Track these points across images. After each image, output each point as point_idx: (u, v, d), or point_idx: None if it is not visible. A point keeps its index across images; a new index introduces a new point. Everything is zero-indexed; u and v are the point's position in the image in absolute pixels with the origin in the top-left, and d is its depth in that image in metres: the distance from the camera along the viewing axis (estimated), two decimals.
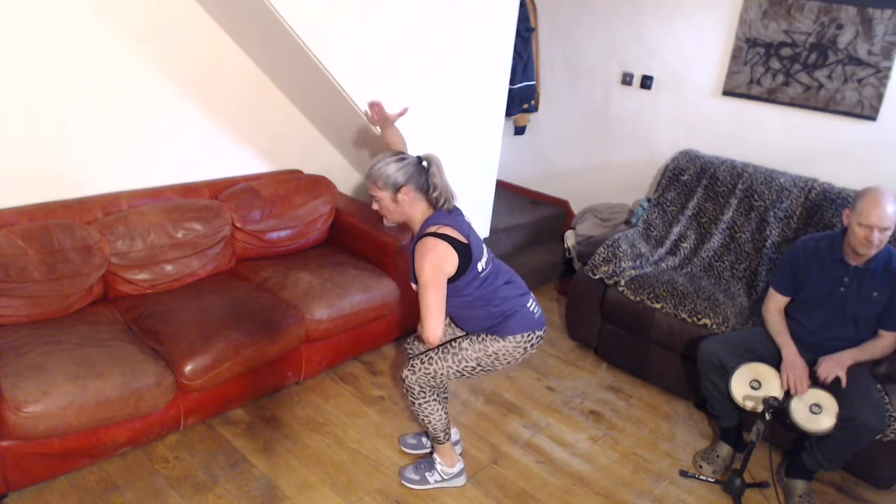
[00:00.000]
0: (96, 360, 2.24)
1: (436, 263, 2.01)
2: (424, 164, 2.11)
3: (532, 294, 2.29)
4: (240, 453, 2.51)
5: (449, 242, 2.03)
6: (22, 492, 2.22)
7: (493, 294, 2.16)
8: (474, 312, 2.19)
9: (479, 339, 2.20)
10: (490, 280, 2.17)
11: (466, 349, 2.19)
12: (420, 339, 2.45)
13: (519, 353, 2.21)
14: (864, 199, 2.28)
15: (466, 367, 2.21)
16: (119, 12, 2.65)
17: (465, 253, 2.07)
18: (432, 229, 2.06)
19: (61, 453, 2.18)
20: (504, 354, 2.19)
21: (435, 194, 2.10)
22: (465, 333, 2.29)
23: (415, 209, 2.12)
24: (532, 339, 2.21)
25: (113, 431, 2.27)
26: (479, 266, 2.14)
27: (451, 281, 2.08)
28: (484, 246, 2.23)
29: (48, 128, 2.60)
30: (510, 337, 2.17)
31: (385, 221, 2.23)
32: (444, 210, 2.13)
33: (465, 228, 2.13)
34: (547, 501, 2.42)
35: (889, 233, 2.28)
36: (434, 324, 2.02)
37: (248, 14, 2.61)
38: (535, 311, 2.25)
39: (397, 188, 2.07)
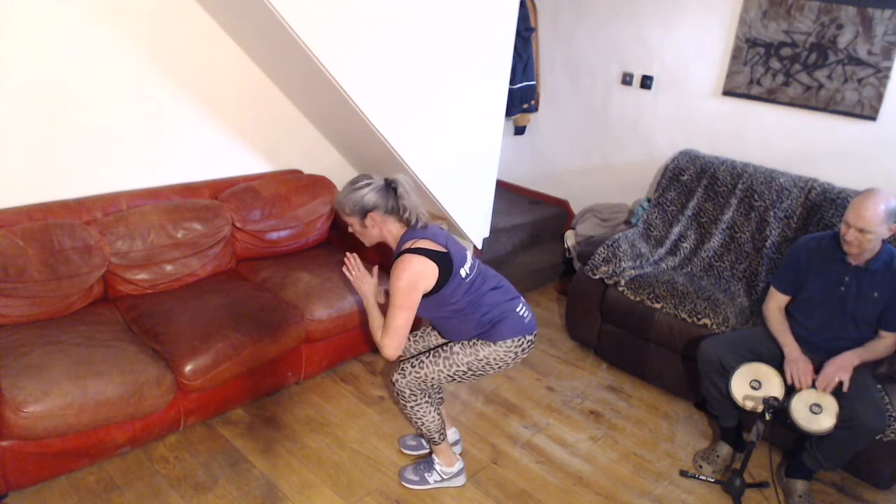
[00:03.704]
0: (96, 359, 2.24)
1: (412, 282, 2.02)
2: (393, 185, 2.12)
3: (522, 298, 2.29)
4: (240, 453, 2.51)
5: (426, 255, 2.04)
6: (22, 492, 2.22)
7: (481, 300, 2.16)
8: (463, 321, 2.18)
9: (471, 343, 2.20)
10: (477, 285, 2.17)
11: (458, 353, 2.19)
12: (411, 339, 2.46)
13: (510, 357, 2.21)
14: (856, 198, 2.31)
15: (457, 371, 2.20)
16: (119, 13, 2.65)
17: (445, 261, 2.08)
18: (407, 245, 2.07)
19: (61, 453, 2.18)
20: (495, 359, 2.19)
21: (406, 215, 2.12)
22: None
23: (386, 231, 2.15)
24: (523, 343, 2.21)
25: (113, 431, 2.27)
26: (463, 272, 2.14)
27: (435, 292, 2.08)
28: (467, 252, 2.23)
29: (48, 128, 2.60)
30: (500, 342, 2.17)
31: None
32: (417, 227, 2.14)
33: (442, 238, 2.14)
34: (547, 501, 2.42)
35: (871, 236, 2.28)
36: (397, 345, 2.08)
37: (249, 14, 2.60)
38: (526, 315, 2.24)
39: (364, 213, 2.11)
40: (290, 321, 2.68)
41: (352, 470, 2.49)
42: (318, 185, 3.34)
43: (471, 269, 2.18)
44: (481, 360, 2.19)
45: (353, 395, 2.94)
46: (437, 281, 2.07)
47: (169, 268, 2.81)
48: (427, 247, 2.06)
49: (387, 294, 2.27)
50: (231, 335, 2.50)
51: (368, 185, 2.11)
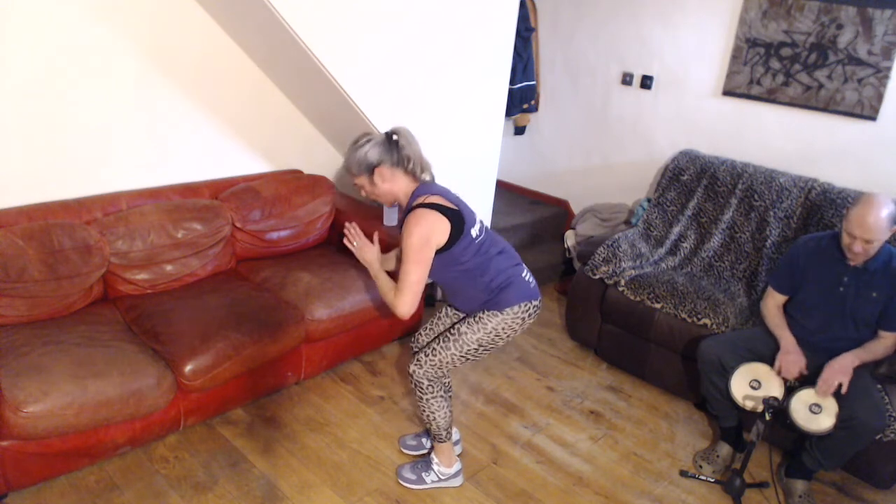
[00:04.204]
0: (96, 360, 2.24)
1: (424, 235, 2.01)
2: (394, 137, 2.10)
3: (524, 264, 2.29)
4: (240, 453, 2.51)
5: (438, 209, 2.04)
6: (22, 492, 2.22)
7: (489, 263, 2.16)
8: (471, 284, 2.17)
9: (477, 318, 2.19)
10: (486, 247, 2.17)
11: (465, 333, 2.19)
12: (423, 332, 2.46)
13: (517, 324, 2.20)
14: (856, 208, 2.28)
15: (469, 349, 2.21)
16: (119, 13, 2.65)
17: (457, 219, 2.07)
18: (420, 200, 2.07)
19: (61, 453, 2.18)
20: (503, 328, 2.19)
21: (411, 166, 2.11)
22: (462, 318, 2.30)
23: (396, 185, 2.13)
24: (529, 308, 2.21)
25: (113, 431, 2.27)
26: (473, 231, 2.13)
27: (446, 249, 2.07)
28: (476, 214, 2.23)
29: (48, 128, 2.60)
30: (507, 309, 2.17)
31: (385, 210, 2.23)
32: (426, 181, 2.14)
33: (452, 197, 2.14)
34: (547, 501, 2.42)
35: (877, 243, 2.28)
36: (411, 302, 2.05)
37: (249, 14, 2.61)
38: (531, 280, 2.25)
39: (371, 170, 2.09)
40: (290, 321, 2.68)
41: (352, 470, 2.49)
42: (318, 185, 3.34)
43: (480, 230, 2.18)
44: (490, 332, 2.18)
45: (353, 395, 2.94)
46: (449, 238, 2.05)
47: (169, 268, 2.81)
48: (440, 202, 2.06)
49: (398, 258, 2.25)
50: (231, 335, 2.50)
51: (369, 141, 2.10)
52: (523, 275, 2.23)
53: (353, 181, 2.17)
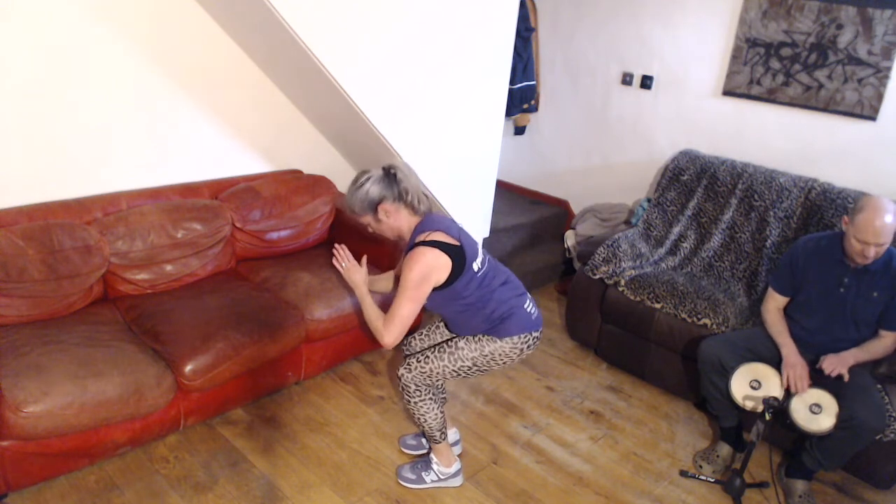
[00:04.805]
0: (96, 359, 2.24)
1: (424, 274, 2.03)
2: (392, 171, 2.12)
3: (529, 294, 2.30)
4: (240, 453, 2.51)
5: (440, 248, 2.04)
6: (22, 492, 2.22)
7: (491, 295, 2.16)
8: (472, 316, 2.18)
9: (476, 339, 2.20)
10: (488, 279, 2.17)
11: (462, 349, 2.20)
12: (417, 337, 2.46)
13: (515, 354, 2.21)
14: (863, 214, 2.26)
15: (462, 366, 2.21)
16: (120, 13, 2.65)
17: (458, 255, 2.08)
18: (421, 237, 2.08)
19: (61, 453, 2.18)
20: (500, 355, 2.20)
21: (409, 198, 2.12)
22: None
23: (400, 220, 2.15)
24: (528, 340, 2.21)
25: (113, 431, 2.27)
26: (475, 266, 2.14)
27: (447, 285, 2.09)
28: (479, 246, 2.23)
29: (48, 127, 2.60)
30: (507, 338, 2.17)
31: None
32: (426, 213, 2.15)
33: (455, 231, 2.14)
34: (547, 501, 2.42)
35: (886, 245, 2.28)
36: (398, 334, 2.09)
37: (249, 14, 2.61)
38: (533, 312, 2.25)
39: (374, 208, 2.12)
40: (290, 321, 2.68)
41: (352, 470, 2.49)
42: (318, 185, 3.34)
43: (482, 263, 2.19)
44: (486, 355, 2.19)
45: (353, 395, 2.94)
46: (450, 274, 2.07)
47: (169, 268, 2.81)
48: (441, 239, 2.06)
49: (396, 281, 2.27)
50: (231, 335, 2.51)
51: (368, 178, 2.11)
52: (525, 306, 2.23)
53: (358, 221, 2.20)
